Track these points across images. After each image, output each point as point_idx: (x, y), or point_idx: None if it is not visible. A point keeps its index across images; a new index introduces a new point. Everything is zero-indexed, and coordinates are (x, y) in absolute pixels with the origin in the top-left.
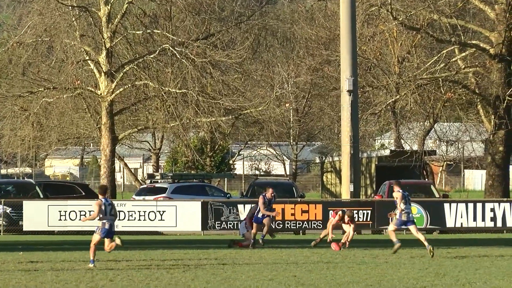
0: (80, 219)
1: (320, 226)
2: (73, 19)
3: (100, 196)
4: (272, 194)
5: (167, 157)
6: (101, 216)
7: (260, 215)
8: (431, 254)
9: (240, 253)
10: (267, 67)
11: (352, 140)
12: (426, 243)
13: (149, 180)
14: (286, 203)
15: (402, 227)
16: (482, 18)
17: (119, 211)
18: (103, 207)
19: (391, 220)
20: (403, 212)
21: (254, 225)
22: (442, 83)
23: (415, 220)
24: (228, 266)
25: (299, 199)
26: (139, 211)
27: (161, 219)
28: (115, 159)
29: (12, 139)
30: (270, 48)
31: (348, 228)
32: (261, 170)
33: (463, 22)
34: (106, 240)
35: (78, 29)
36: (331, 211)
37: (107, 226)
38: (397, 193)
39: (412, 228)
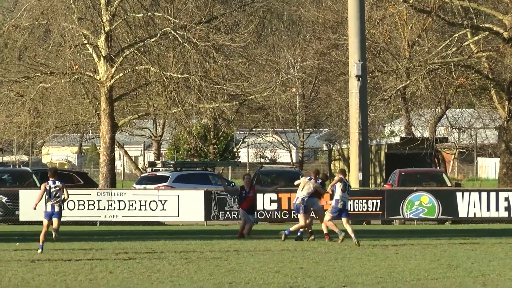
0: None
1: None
2: (71, 1)
3: (50, 179)
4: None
5: (169, 144)
6: (46, 197)
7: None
8: (357, 245)
9: (244, 244)
10: (273, 51)
11: (361, 127)
12: (353, 235)
13: (150, 169)
14: (292, 192)
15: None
16: (495, 1)
17: (119, 201)
18: (48, 189)
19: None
20: (339, 200)
21: (304, 216)
22: (454, 68)
23: (348, 212)
24: (233, 258)
25: None
26: (140, 201)
27: (163, 209)
28: (115, 146)
29: (8, 126)
30: (275, 31)
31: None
32: (266, 158)
33: (476, 5)
34: (54, 221)
35: (76, 12)
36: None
37: (48, 209)
38: (338, 180)
39: (344, 219)
